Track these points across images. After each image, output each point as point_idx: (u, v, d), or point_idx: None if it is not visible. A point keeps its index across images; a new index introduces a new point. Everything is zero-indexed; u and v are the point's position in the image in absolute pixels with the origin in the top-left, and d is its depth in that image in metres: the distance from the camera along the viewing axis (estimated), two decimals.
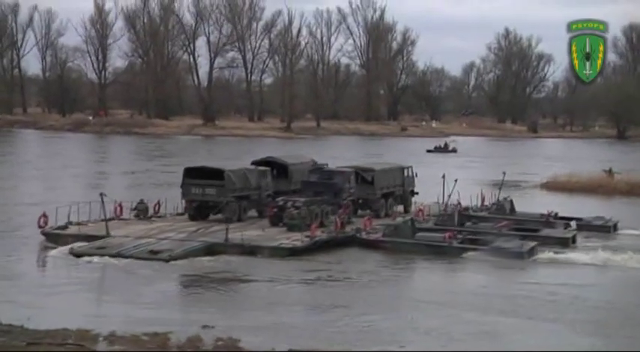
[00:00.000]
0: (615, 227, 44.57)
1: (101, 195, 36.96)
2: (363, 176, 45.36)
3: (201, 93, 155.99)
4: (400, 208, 47.19)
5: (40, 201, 39.85)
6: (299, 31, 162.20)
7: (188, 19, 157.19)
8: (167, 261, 33.70)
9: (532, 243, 37.29)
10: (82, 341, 20.37)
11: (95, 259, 33.69)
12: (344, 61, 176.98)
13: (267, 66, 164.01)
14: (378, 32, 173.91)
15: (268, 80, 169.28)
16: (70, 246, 35.43)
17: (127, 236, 36.96)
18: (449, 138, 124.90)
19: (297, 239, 36.41)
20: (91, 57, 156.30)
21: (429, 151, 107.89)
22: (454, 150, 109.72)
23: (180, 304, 28.77)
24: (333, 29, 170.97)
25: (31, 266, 34.30)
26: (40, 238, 37.56)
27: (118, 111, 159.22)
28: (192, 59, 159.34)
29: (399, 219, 40.75)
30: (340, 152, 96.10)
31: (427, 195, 48.10)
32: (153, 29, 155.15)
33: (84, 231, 37.67)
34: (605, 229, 43.94)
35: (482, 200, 48.45)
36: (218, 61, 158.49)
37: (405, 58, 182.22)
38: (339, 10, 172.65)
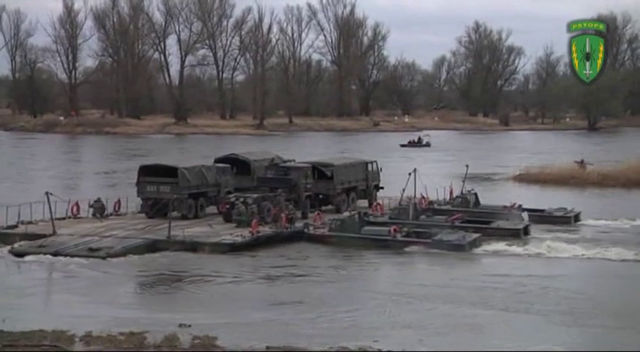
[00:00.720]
0: (577, 218, 44.85)
1: (47, 193, 37.07)
2: (322, 171, 45.47)
3: (173, 92, 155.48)
4: (365, 203, 47.04)
5: (7, 202, 39.47)
6: (269, 27, 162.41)
7: (158, 17, 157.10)
8: (104, 258, 33.83)
9: (475, 235, 37.38)
10: (58, 342, 20.32)
11: (30, 258, 33.74)
12: (315, 57, 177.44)
13: (238, 63, 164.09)
14: (348, 28, 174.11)
15: (240, 77, 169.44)
16: (10, 246, 35.51)
17: (72, 234, 37.05)
18: (422, 132, 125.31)
19: (239, 234, 36.66)
20: (60, 57, 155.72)
21: (402, 146, 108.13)
22: (428, 145, 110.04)
23: (150, 303, 28.68)
24: (303, 25, 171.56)
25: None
26: None
27: (90, 111, 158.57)
28: (163, 58, 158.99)
29: (346, 214, 40.70)
30: (312, 148, 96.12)
31: (398, 189, 48.24)
32: (123, 28, 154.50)
33: (32, 231, 37.64)
34: (565, 220, 44.18)
35: (451, 193, 48.57)
36: (189, 59, 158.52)
37: (376, 53, 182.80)
38: (310, 6, 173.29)
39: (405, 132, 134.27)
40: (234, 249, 35.73)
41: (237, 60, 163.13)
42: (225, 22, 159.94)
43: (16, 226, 38.39)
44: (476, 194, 46.97)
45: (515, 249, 36.77)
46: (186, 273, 32.27)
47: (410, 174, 44.66)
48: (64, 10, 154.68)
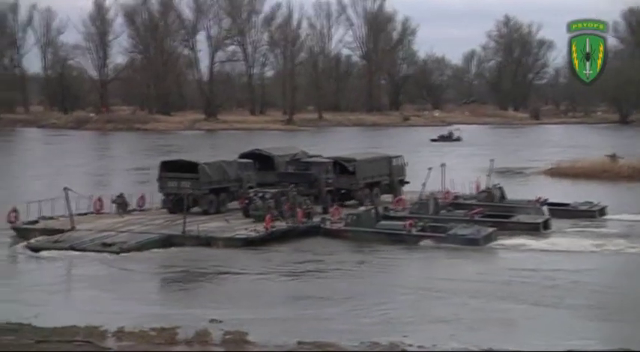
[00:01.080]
0: (602, 212, 44.58)
1: (65, 189, 37.58)
2: (344, 166, 45.55)
3: (203, 88, 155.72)
4: (390, 198, 47.04)
5: (37, 199, 39.88)
6: (299, 23, 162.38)
7: (187, 13, 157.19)
8: (118, 253, 34.20)
9: (490, 230, 37.31)
10: (90, 338, 20.41)
11: (46, 253, 34.26)
12: (345, 52, 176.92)
13: (267, 59, 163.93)
14: (378, 22, 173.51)
15: (269, 73, 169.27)
16: (27, 241, 36.03)
17: (90, 229, 37.49)
18: (453, 127, 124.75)
19: (253, 229, 36.94)
20: (91, 54, 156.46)
21: (433, 140, 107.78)
22: (458, 139, 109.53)
23: (179, 299, 28.77)
24: (332, 20, 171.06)
25: (13, 263, 34.43)
26: (11, 233, 38.08)
27: (120, 108, 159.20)
28: (192, 54, 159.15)
29: (362, 208, 40.82)
30: (341, 143, 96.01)
31: (429, 184, 48.12)
32: (153, 25, 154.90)
33: (51, 226, 38.09)
34: (590, 214, 43.96)
35: (477, 187, 48.40)
36: (219, 55, 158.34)
37: (405, 48, 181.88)
38: (339, 1, 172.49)
39: (435, 127, 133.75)
40: (247, 243, 36.03)
41: (267, 55, 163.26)
42: (254, 18, 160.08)
43: (36, 222, 38.83)
44: (501, 188, 46.71)
45: (532, 243, 36.72)
46: (208, 269, 32.49)
47: (429, 169, 44.63)
48: (95, 7, 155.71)
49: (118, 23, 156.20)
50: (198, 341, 20.76)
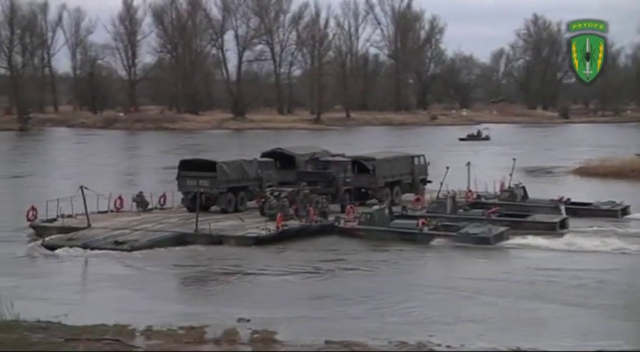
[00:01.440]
0: (624, 211, 44.28)
1: (81, 188, 37.97)
2: (364, 165, 45.60)
3: (231, 87, 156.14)
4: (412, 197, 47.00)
5: (66, 197, 40.26)
6: (326, 22, 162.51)
7: (215, 13, 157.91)
8: (129, 250, 34.53)
9: (502, 229, 37.25)
10: (119, 336, 20.46)
11: (61, 251, 34.69)
12: (372, 51, 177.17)
13: (295, 58, 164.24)
14: (405, 21, 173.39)
15: (297, 72, 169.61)
16: (42, 239, 36.40)
17: (105, 227, 37.86)
18: (481, 125, 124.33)
19: (265, 228, 37.09)
20: (120, 54, 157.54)
21: (461, 139, 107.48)
22: (487, 138, 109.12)
23: (204, 297, 28.72)
24: (360, 19, 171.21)
25: (33, 262, 34.55)
26: (30, 231, 38.60)
27: (148, 107, 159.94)
28: (220, 53, 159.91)
29: (375, 207, 40.62)
30: (369, 142, 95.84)
31: (451, 183, 48.07)
32: (181, 24, 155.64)
33: (68, 224, 38.45)
34: (612, 214, 43.66)
35: (502, 187, 48.26)
36: (246, 54, 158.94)
37: (433, 47, 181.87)
38: (367, 0, 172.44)
39: (462, 126, 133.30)
40: (258, 242, 36.19)
41: (295, 55, 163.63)
42: (282, 18, 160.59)
43: (55, 220, 39.22)
44: (524, 187, 46.58)
45: (546, 242, 36.49)
46: (229, 267, 32.56)
47: (447, 168, 44.64)
48: (124, 7, 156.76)
49: (147, 23, 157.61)
50: (227, 340, 20.74)
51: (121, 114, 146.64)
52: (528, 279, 30.16)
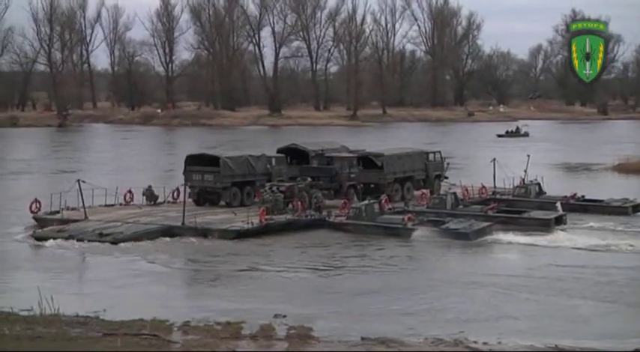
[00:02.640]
0: (636, 208, 43.89)
1: (78, 181, 39.16)
2: (373, 161, 45.90)
3: (267, 84, 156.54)
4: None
5: (70, 191, 40.74)
6: (363, 18, 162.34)
7: (252, 9, 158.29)
8: (113, 242, 35.23)
9: (483, 224, 37.48)
10: (157, 331, 20.57)
11: (50, 242, 35.46)
12: (409, 47, 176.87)
13: (332, 54, 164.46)
14: (442, 17, 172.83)
15: (333, 68, 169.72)
16: (34, 231, 37.41)
17: (100, 220, 38.73)
18: (520, 122, 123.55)
19: (249, 222, 37.51)
20: (158, 50, 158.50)
21: (499, 136, 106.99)
22: (526, 134, 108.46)
23: (236, 293, 28.26)
24: (397, 16, 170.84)
25: (60, 256, 34.66)
26: (32, 222, 39.54)
27: (186, 104, 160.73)
28: (257, 50, 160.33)
29: (364, 202, 40.93)
30: (405, 139, 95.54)
31: (481, 179, 48.21)
32: (218, 21, 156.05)
33: (68, 216, 39.32)
34: (623, 210, 43.37)
35: (522, 181, 48.04)
36: (283, 50, 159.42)
37: (470, 43, 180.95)
38: None
39: (499, 122, 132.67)
40: (240, 235, 36.70)
41: (331, 51, 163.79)
42: (318, 14, 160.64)
43: (57, 212, 40.01)
44: (539, 184, 46.61)
45: (528, 239, 36.44)
46: (241, 263, 32.62)
47: (447, 164, 45.35)
48: (161, 4, 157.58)
49: (184, 19, 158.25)
50: (263, 335, 20.80)
51: (159, 110, 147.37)
52: (555, 276, 29.94)
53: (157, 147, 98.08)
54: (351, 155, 46.17)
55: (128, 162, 75.60)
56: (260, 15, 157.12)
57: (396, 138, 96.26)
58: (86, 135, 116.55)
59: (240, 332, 21.05)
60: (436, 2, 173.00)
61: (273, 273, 31.09)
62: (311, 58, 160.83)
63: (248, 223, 37.38)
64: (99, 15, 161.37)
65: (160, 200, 44.10)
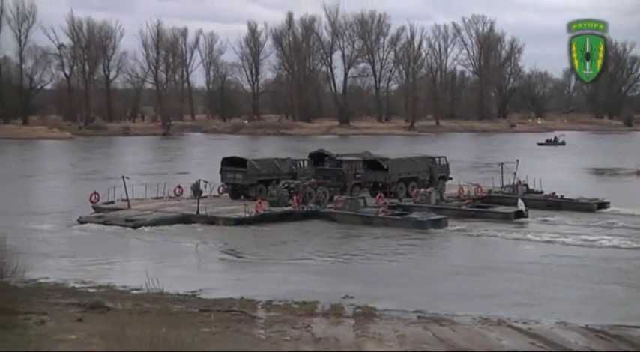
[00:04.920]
0: (602, 205, 42.95)
1: (123, 177, 40.32)
2: (380, 163, 46.40)
3: (337, 99, 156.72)
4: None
5: (119, 185, 41.69)
6: (420, 43, 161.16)
7: (326, 36, 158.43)
8: (134, 227, 36.22)
9: (440, 216, 37.78)
10: (244, 308, 20.71)
11: (89, 225, 36.92)
12: (459, 68, 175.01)
13: (393, 74, 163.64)
14: (488, 43, 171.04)
15: (394, 86, 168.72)
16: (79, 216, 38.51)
17: (138, 209, 39.79)
18: (557, 132, 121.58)
19: (249, 212, 38.30)
20: (245, 71, 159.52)
21: (540, 144, 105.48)
22: (563, 143, 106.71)
23: (307, 276, 27.55)
24: (449, 41, 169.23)
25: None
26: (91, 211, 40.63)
27: (268, 116, 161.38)
28: (329, 70, 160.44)
29: (355, 196, 41.82)
30: (457, 147, 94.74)
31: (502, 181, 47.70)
32: (296, 46, 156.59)
33: (116, 206, 40.52)
34: (588, 207, 42.58)
35: (519, 181, 47.36)
36: (351, 71, 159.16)
37: (512, 64, 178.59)
38: (454, 24, 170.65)
39: (537, 133, 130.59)
40: (238, 222, 37.41)
41: (392, 71, 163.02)
42: (382, 40, 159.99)
43: (112, 202, 41.17)
44: (527, 185, 46.39)
45: (475, 230, 36.30)
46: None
47: (432, 163, 46.65)
48: (249, 31, 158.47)
49: (268, 45, 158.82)
50: (334, 313, 20.81)
51: (246, 121, 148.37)
52: (561, 262, 29.22)
53: (243, 152, 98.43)
54: (357, 158, 46.75)
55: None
56: (332, 41, 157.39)
57: (449, 149, 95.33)
58: (186, 142, 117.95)
59: (314, 310, 21.08)
60: (483, 29, 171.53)
61: (315, 259, 30.69)
62: (375, 77, 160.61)
63: (246, 213, 38.10)
64: (197, 41, 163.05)
65: (204, 194, 44.19)
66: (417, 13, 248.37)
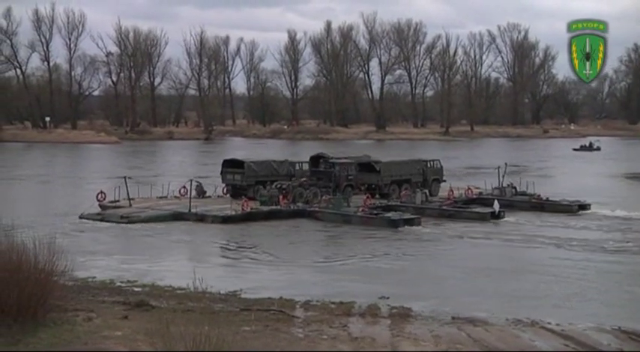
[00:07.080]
0: (583, 207, 43.09)
1: (125, 178, 41.43)
2: (373, 166, 47.18)
3: (374, 105, 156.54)
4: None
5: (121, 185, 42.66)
6: (455, 51, 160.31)
7: (363, 44, 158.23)
8: (127, 223, 37.17)
9: (413, 216, 38.62)
10: (283, 308, 20.75)
11: (89, 222, 37.79)
12: (493, 75, 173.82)
13: (428, 81, 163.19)
14: (522, 50, 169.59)
15: (430, 92, 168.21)
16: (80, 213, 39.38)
17: (137, 207, 40.64)
18: (592, 138, 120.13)
19: (235, 210, 39.05)
20: (285, 77, 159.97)
21: (575, 150, 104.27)
22: (598, 149, 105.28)
23: (344, 278, 27.37)
24: (484, 49, 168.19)
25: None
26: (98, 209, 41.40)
27: (307, 121, 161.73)
28: (366, 77, 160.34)
29: (337, 196, 42.45)
30: (492, 155, 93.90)
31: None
32: (334, 54, 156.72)
33: (119, 204, 41.34)
34: (569, 209, 42.74)
35: (511, 184, 47.80)
36: (388, 78, 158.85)
37: (546, 71, 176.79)
38: (489, 32, 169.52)
39: (571, 139, 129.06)
40: (225, 220, 38.02)
41: (428, 78, 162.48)
42: (418, 48, 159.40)
43: (117, 201, 42.06)
44: (515, 188, 46.89)
45: (450, 230, 36.86)
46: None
47: (422, 166, 47.74)
48: (289, 39, 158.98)
49: (307, 52, 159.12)
50: (370, 313, 20.78)
51: (285, 126, 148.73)
52: (568, 263, 29.19)
53: (282, 156, 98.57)
54: (349, 161, 47.46)
55: None
56: (369, 48, 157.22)
57: (484, 155, 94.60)
58: (227, 147, 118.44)
59: (351, 310, 21.05)
60: (517, 37, 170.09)
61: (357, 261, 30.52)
62: (411, 83, 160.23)
63: (232, 211, 38.85)
64: (238, 49, 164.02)
65: (207, 194, 45.55)
66: (451, 22, 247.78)
